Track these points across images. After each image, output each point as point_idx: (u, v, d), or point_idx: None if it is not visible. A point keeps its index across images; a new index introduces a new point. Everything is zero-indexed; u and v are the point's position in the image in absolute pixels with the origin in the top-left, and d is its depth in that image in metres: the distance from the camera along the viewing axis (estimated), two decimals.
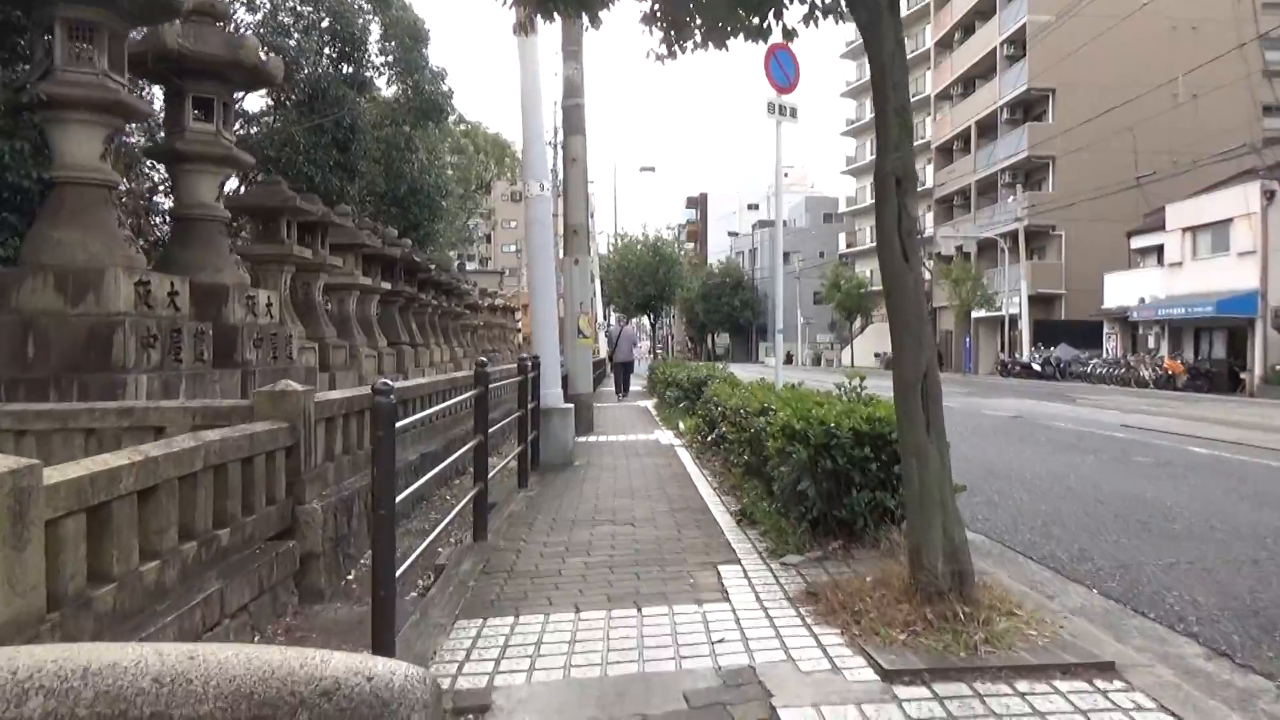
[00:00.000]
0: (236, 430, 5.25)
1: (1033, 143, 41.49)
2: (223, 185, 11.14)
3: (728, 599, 4.02)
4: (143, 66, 10.25)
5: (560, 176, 12.88)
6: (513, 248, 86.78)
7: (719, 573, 4.47)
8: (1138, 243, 35.17)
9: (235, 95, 11.96)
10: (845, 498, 4.67)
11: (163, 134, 11.36)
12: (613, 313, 46.99)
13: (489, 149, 53.26)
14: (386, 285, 17.70)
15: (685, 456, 9.23)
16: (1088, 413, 15.86)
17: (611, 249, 28.19)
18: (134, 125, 18.32)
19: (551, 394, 8.68)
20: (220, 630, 4.53)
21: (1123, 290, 34.16)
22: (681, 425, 11.91)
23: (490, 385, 6.15)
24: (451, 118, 49.38)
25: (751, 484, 6.22)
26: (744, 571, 4.48)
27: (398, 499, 3.38)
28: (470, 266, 69.61)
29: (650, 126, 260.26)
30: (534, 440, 8.32)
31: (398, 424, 3.34)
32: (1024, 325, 38.84)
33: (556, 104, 18.86)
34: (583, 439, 11.35)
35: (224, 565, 4.84)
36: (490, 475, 6.05)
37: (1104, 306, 35.44)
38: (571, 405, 9.01)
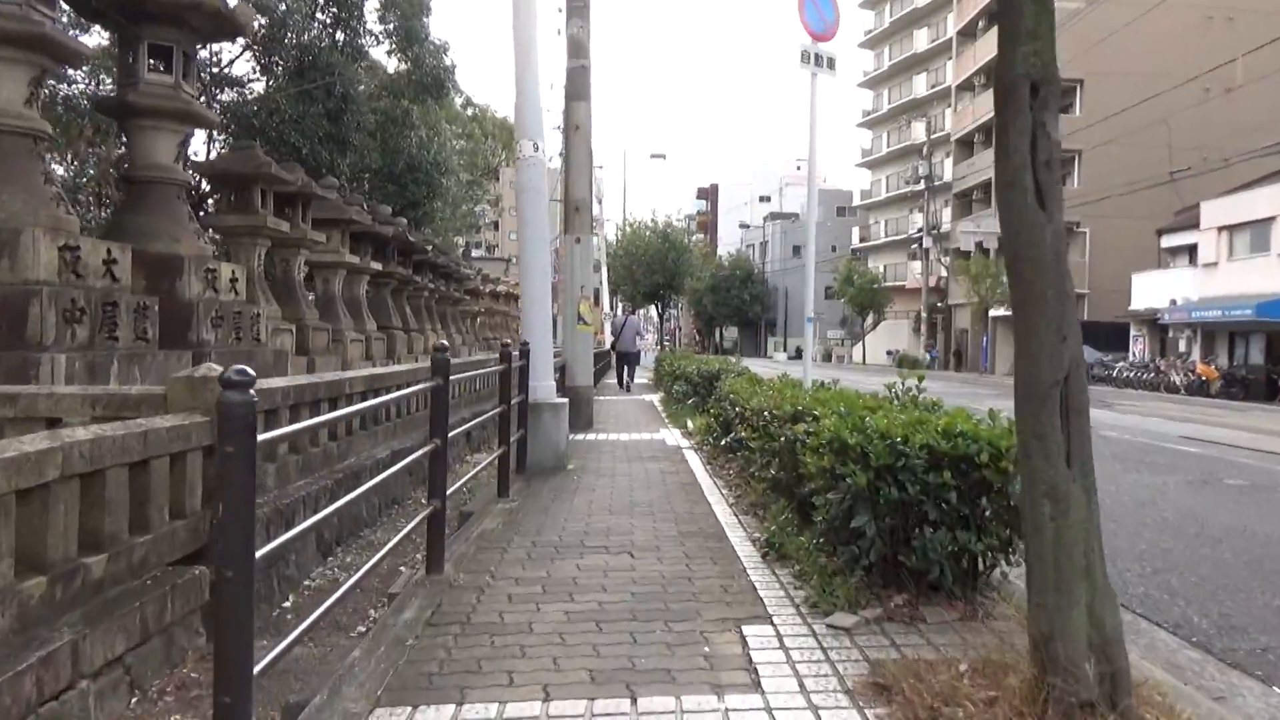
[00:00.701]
0: (124, 427, 4.09)
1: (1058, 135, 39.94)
2: (183, 145, 9.99)
3: (758, 686, 2.85)
4: (88, 6, 9.10)
5: (561, 145, 11.71)
6: None
7: (744, 637, 3.30)
8: (1168, 241, 33.80)
9: (200, 45, 10.82)
10: (915, 538, 3.49)
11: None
12: (619, 302, 45.83)
13: (497, 134, 52.11)
14: (377, 265, 16.53)
15: (695, 462, 8.06)
16: (1134, 421, 14.64)
17: (619, 235, 26.95)
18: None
19: (543, 386, 7.51)
20: (73, 696, 3.38)
21: (1152, 291, 32.79)
22: (690, 424, 10.74)
23: (457, 377, 4.94)
24: (459, 101, 48.25)
25: (779, 505, 5.05)
26: (778, 636, 3.30)
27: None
28: (477, 253, 68.45)
29: (661, 115, 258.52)
30: (521, 439, 7.16)
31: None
32: None
33: (553, 91, 17.61)
34: (580, 436, 10.19)
35: (92, 604, 3.70)
36: (461, 484, 4.90)
37: (1131, 308, 34.08)
38: (565, 400, 7.83)
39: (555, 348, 10.70)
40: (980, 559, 3.56)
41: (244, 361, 8.48)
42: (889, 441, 3.50)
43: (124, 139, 11.99)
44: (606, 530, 5.16)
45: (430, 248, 20.09)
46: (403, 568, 5.43)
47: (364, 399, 7.26)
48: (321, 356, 12.93)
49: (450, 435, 4.78)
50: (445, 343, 4.43)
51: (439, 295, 22.45)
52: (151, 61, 9.15)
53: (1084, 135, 38.74)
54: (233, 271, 9.70)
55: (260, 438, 2.14)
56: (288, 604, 5.09)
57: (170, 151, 9.41)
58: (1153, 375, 29.74)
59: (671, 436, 10.26)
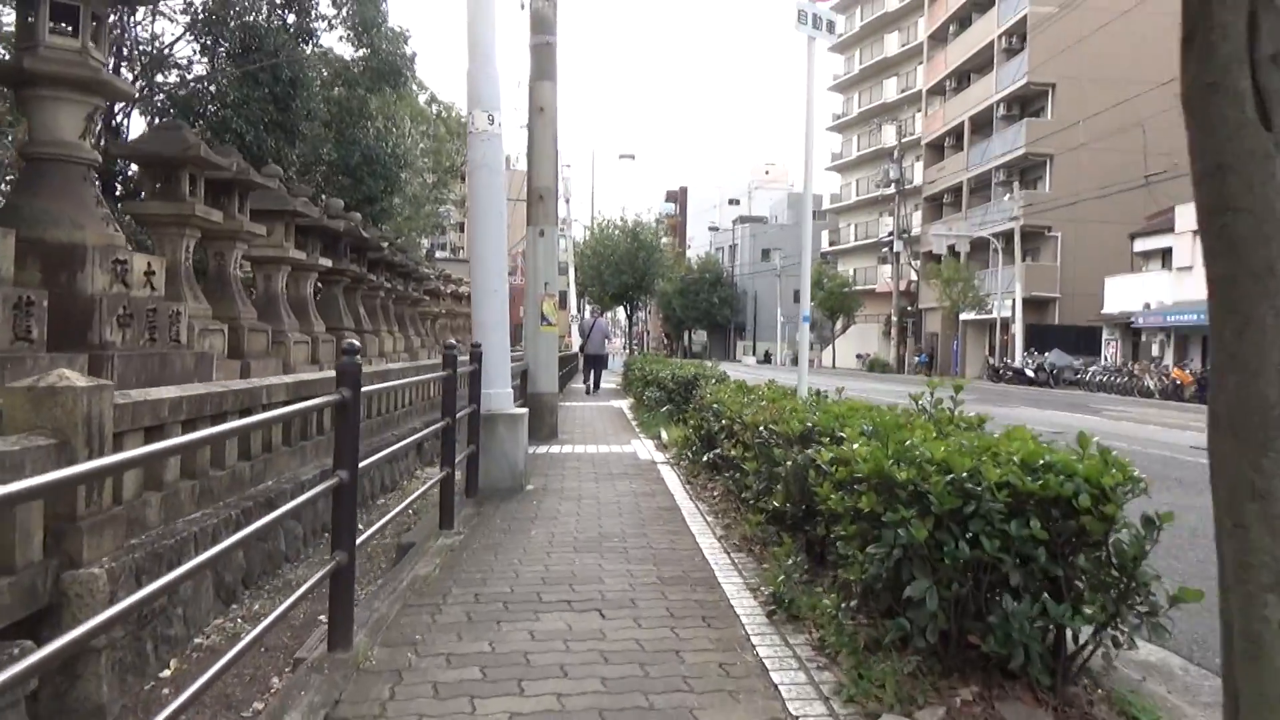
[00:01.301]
0: None
1: (1030, 139, 39.76)
2: (92, 119, 8.84)
3: None
4: None
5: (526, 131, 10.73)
6: None
7: None
8: (1141, 245, 33.53)
9: (112, 6, 9.66)
10: (990, 610, 2.55)
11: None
12: (587, 305, 44.81)
13: (462, 132, 50.94)
14: (326, 262, 15.37)
15: (672, 480, 7.10)
16: (1131, 429, 13.95)
17: (587, 235, 25.95)
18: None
19: (498, 395, 6.50)
20: None
21: (1125, 295, 32.48)
22: (665, 434, 9.78)
23: (380, 386, 3.96)
24: (423, 97, 46.94)
25: (785, 545, 4.08)
26: None
27: None
28: (441, 255, 67.15)
29: (630, 117, 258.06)
30: (472, 457, 6.15)
31: None
32: (1017, 329, 37.11)
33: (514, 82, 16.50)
34: (543, 449, 9.19)
35: None
36: (378, 529, 3.88)
37: (1104, 311, 33.76)
38: (525, 411, 6.83)
39: (516, 350, 9.71)
40: (1075, 637, 2.62)
41: (156, 367, 7.29)
42: (954, 478, 2.56)
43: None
44: (570, 576, 4.18)
45: (386, 245, 18.96)
46: (322, 617, 4.41)
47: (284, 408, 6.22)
48: (259, 360, 11.79)
49: (374, 459, 3.78)
50: (356, 343, 3.43)
51: (396, 295, 21.29)
52: (54, 23, 8.03)
53: (1055, 139, 38.49)
54: (148, 264, 8.56)
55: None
56: (166, 672, 4.04)
57: (75, 126, 8.25)
58: (1126, 379, 29.36)
59: (644, 449, 9.29)
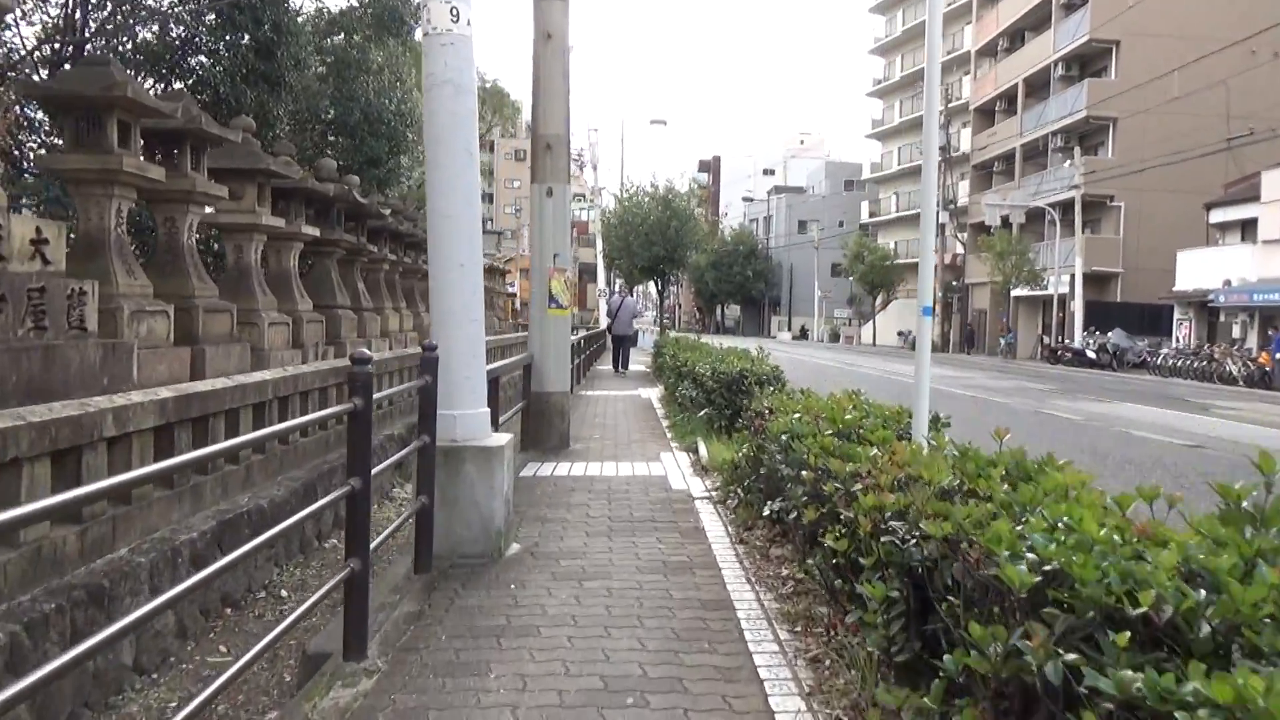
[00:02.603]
0: None
1: (1092, 101, 36.85)
2: None
3: None
4: None
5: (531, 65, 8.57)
6: (513, 208, 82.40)
7: None
8: (1218, 216, 30.74)
9: None
10: None
11: None
12: (616, 279, 42.69)
13: (485, 97, 48.86)
14: (313, 231, 13.45)
15: (717, 533, 5.06)
16: (1259, 434, 11.68)
17: (615, 203, 23.80)
18: None
19: (465, 419, 4.48)
20: None
21: (1200, 270, 29.77)
22: (704, 449, 7.74)
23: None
24: None
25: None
26: None
27: None
28: None
29: (661, 85, 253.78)
30: (422, 513, 4.16)
31: None
32: (1076, 306, 34.49)
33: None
34: (548, 468, 7.20)
35: None
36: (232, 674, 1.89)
37: (1176, 288, 31.06)
38: (505, 441, 4.77)
39: (498, 340, 7.68)
40: None
41: (39, 361, 5.25)
42: None
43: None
44: None
45: (389, 212, 16.99)
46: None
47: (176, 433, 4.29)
48: (219, 346, 9.89)
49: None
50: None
51: (404, 269, 19.38)
52: None
53: (1119, 101, 35.58)
54: (37, 230, 6.64)
55: None
56: None
57: None
58: (1204, 364, 26.77)
59: (678, 469, 7.26)
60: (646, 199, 22.23)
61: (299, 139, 16.39)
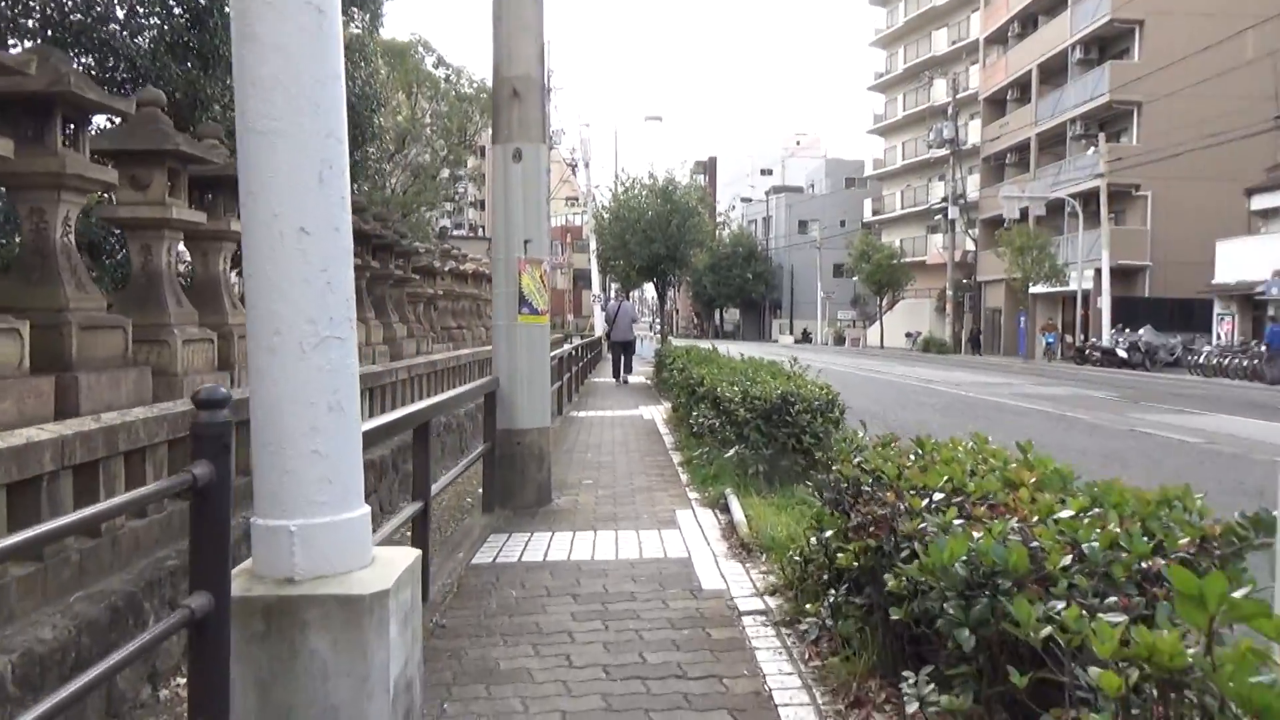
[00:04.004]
0: None
1: (1115, 85, 34.66)
2: None
3: None
4: None
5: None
6: None
7: None
8: (1262, 202, 28.54)
9: None
10: None
11: None
12: (612, 284, 40.43)
13: (476, 98, 46.67)
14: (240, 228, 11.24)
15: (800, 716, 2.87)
16: None
17: (610, 197, 21.51)
18: None
19: (308, 538, 2.26)
20: None
21: (1243, 261, 27.54)
22: (738, 509, 5.47)
23: None
24: (430, 60, 42.56)
25: None
26: None
27: None
28: (459, 234, 63.17)
29: (656, 85, 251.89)
30: None
31: None
32: (1105, 302, 32.27)
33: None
34: (517, 541, 4.94)
35: None
36: None
37: (1216, 281, 28.86)
38: (395, 575, 2.52)
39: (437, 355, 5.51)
40: None
41: None
42: None
43: None
44: None
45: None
46: None
47: None
48: (103, 373, 7.69)
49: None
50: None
51: (373, 274, 17.13)
52: None
53: (1145, 84, 33.39)
54: None
55: None
56: None
57: None
58: (1253, 362, 24.54)
59: (704, 544, 4.99)
60: (644, 192, 19.96)
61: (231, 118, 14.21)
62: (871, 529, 2.82)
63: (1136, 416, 11.39)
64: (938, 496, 2.73)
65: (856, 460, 3.43)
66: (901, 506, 2.67)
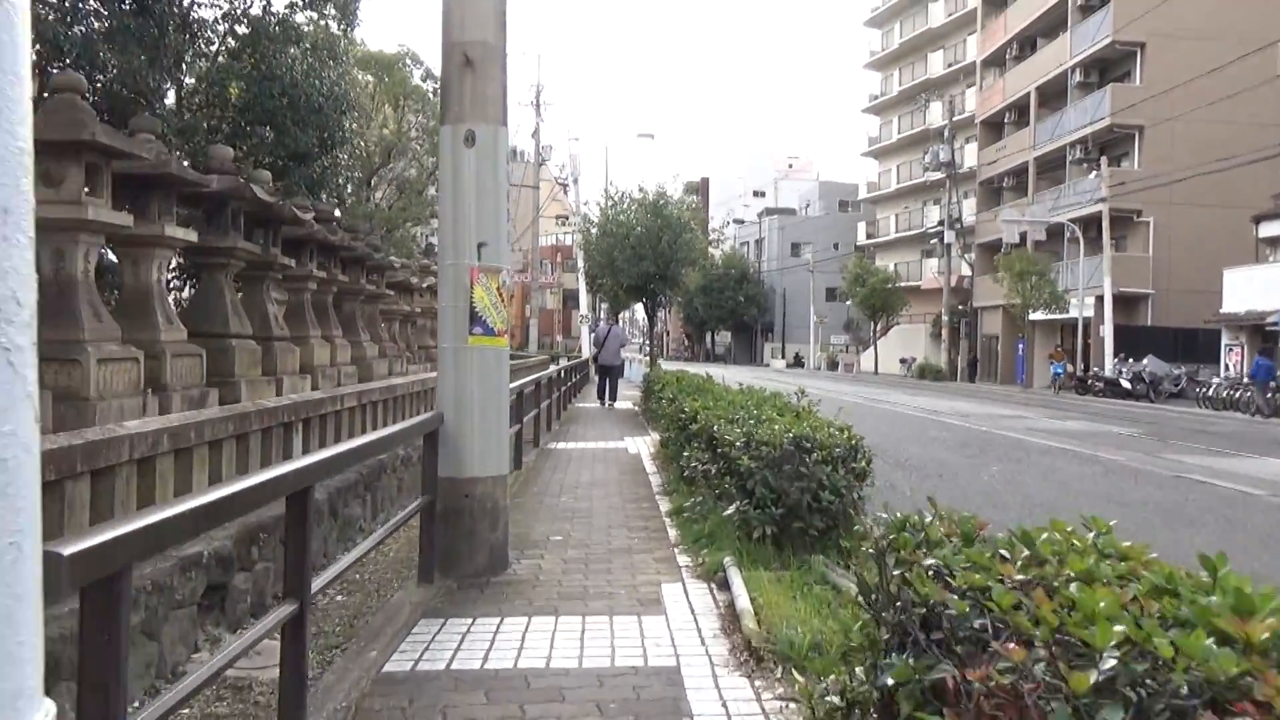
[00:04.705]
0: None
1: (1116, 108, 33.93)
2: None
3: None
4: None
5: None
6: None
7: None
8: (1270, 230, 27.71)
9: None
10: None
11: None
12: (601, 304, 39.29)
13: None
14: (187, 235, 10.02)
15: None
16: None
17: (598, 211, 20.39)
18: None
19: None
20: None
21: (1252, 290, 26.66)
22: (742, 588, 4.28)
23: None
24: (418, 73, 41.54)
25: None
26: None
27: None
28: None
29: (648, 107, 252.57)
30: None
31: None
32: (1107, 331, 31.33)
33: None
34: (442, 650, 3.71)
35: None
36: None
37: (1224, 310, 27.95)
38: None
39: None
40: None
41: None
42: None
43: None
44: None
45: (309, 216, 13.56)
46: None
47: None
48: None
49: None
50: None
51: (341, 289, 15.94)
52: None
53: (1147, 108, 32.66)
54: None
55: None
56: None
57: None
58: (1268, 396, 23.54)
59: (699, 643, 3.79)
60: (634, 207, 18.85)
61: (185, 115, 13.02)
62: (996, 708, 1.65)
63: (1173, 459, 10.28)
64: (1108, 662, 1.57)
65: (930, 564, 2.28)
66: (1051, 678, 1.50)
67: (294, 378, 12.57)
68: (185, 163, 12.76)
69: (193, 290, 13.29)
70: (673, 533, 5.88)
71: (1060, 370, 30.28)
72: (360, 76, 42.49)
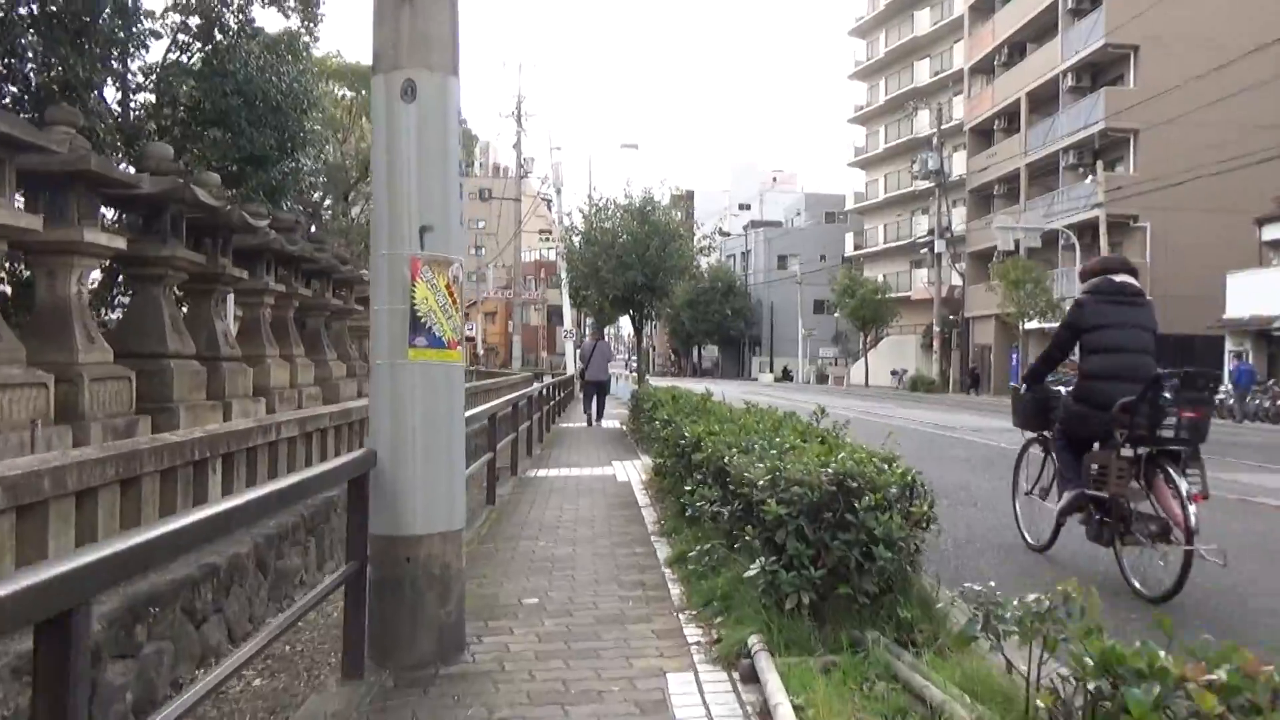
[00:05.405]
0: None
1: (1110, 112, 33.22)
2: None
3: None
4: None
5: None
6: (482, 251, 78.09)
7: None
8: (1272, 233, 26.94)
9: None
10: None
11: None
12: (586, 318, 38.12)
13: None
14: (113, 243, 8.83)
15: None
16: None
17: (581, 217, 19.27)
18: None
19: None
20: None
21: (1257, 295, 25.84)
22: (769, 665, 3.17)
23: None
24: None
25: None
26: None
27: None
28: None
29: (633, 120, 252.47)
30: None
31: None
32: None
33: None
34: None
35: None
36: None
37: (1228, 316, 27.14)
38: None
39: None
40: None
41: None
42: None
43: None
44: None
45: (265, 224, 12.40)
46: None
47: None
48: None
49: None
50: None
51: (303, 304, 14.74)
52: None
53: (1141, 111, 31.93)
54: None
55: None
56: None
57: None
58: (1276, 403, 22.70)
59: None
60: (619, 213, 17.75)
61: (137, 126, 11.85)
62: None
63: (1227, 478, 9.21)
64: None
65: None
66: None
67: (245, 401, 11.35)
68: (132, 170, 11.57)
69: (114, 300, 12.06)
70: (675, 590, 4.74)
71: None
72: (336, 90, 41.36)
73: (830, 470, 3.76)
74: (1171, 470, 4.73)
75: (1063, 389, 5.74)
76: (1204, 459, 4.90)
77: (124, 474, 4.61)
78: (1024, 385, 6.12)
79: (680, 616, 4.25)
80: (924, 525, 3.75)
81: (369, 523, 3.56)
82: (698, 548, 4.95)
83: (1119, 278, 5.43)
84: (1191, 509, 4.55)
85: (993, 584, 2.82)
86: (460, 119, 4.10)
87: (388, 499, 3.61)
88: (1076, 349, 5.48)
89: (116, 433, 8.16)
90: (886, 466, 3.99)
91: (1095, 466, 5.19)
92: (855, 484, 3.68)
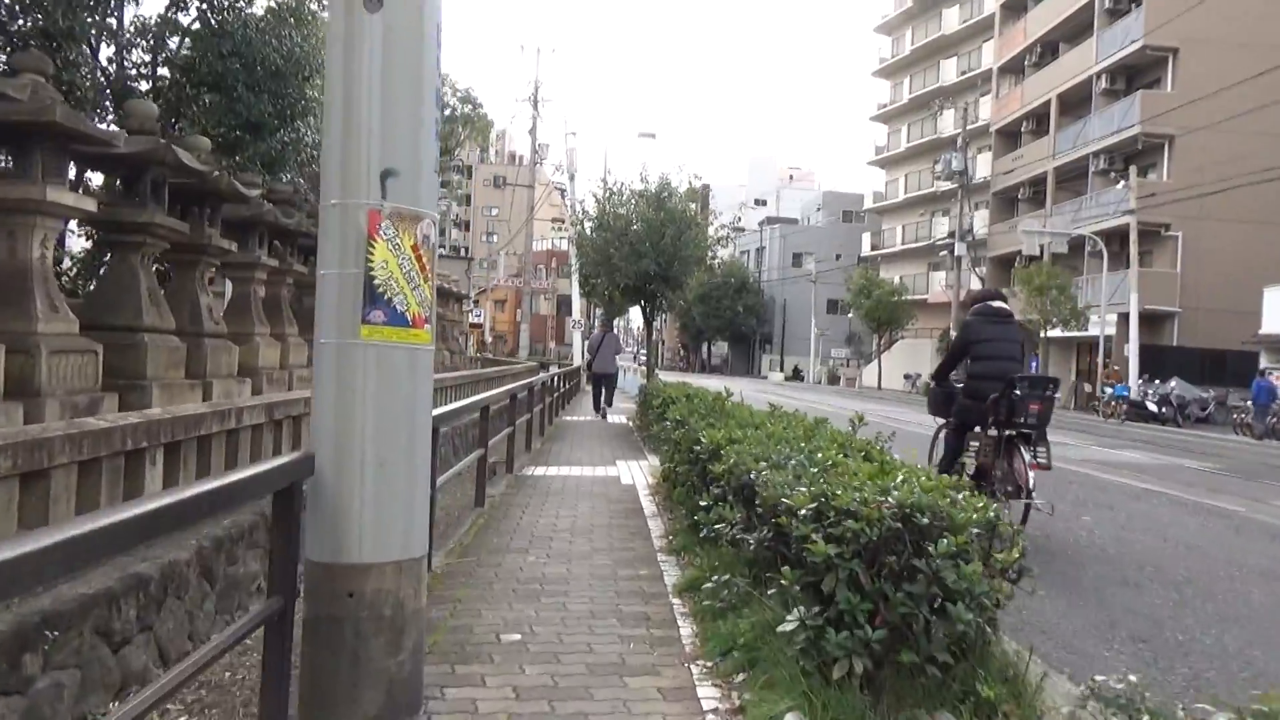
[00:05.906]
0: None
1: (1146, 116, 32.15)
2: None
3: None
4: None
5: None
6: (494, 239, 77.47)
7: None
8: None
9: None
10: None
11: None
12: (596, 310, 37.31)
13: (453, 107, 43.84)
14: (82, 204, 8.03)
15: None
16: None
17: (594, 202, 18.41)
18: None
19: None
20: None
21: None
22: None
23: None
24: None
25: None
26: None
27: None
28: (441, 254, 60.00)
29: (647, 114, 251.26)
30: None
31: None
32: (1132, 350, 29.48)
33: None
34: None
35: None
36: None
37: (1264, 331, 26.17)
38: None
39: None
40: None
41: None
42: None
43: None
44: None
45: (262, 194, 11.61)
46: None
47: None
48: None
49: None
50: None
51: (299, 281, 13.96)
52: None
53: (1178, 116, 30.87)
54: None
55: None
56: None
57: None
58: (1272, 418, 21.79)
59: None
60: (634, 199, 16.90)
61: (128, 86, 11.10)
62: None
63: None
64: None
65: None
66: None
67: (229, 381, 10.58)
68: (117, 129, 10.82)
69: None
70: (686, 631, 3.94)
71: (1124, 392, 27.39)
72: None
73: (893, 500, 2.95)
74: (1022, 447, 6.31)
75: (958, 386, 7.15)
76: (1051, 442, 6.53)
77: (24, 467, 3.84)
78: (933, 382, 7.65)
79: (693, 669, 3.45)
80: (1013, 578, 2.93)
81: (302, 547, 2.77)
82: (714, 578, 4.15)
83: (994, 304, 6.98)
84: (1030, 474, 6.18)
85: (1133, 679, 2.01)
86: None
87: (327, 517, 2.82)
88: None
89: (77, 410, 7.41)
90: (965, 502, 3.17)
91: (974, 444, 6.85)
92: (926, 520, 2.87)
